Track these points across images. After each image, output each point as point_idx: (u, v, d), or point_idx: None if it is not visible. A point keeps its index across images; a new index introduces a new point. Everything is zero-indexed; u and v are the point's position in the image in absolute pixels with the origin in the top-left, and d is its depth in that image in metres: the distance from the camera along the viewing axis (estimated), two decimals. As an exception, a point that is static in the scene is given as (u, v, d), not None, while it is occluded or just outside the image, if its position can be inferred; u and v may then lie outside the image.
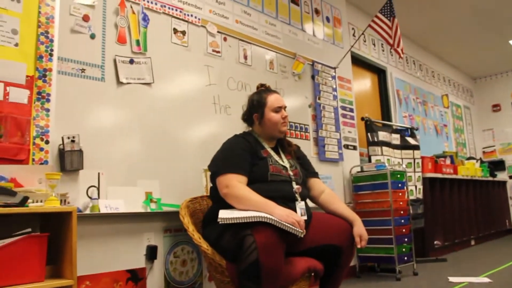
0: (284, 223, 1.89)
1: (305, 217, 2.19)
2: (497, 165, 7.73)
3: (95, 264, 2.21)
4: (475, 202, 6.35)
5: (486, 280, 3.47)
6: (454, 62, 7.44)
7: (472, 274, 3.75)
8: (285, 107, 2.39)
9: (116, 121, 2.43)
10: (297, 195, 2.24)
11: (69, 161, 2.12)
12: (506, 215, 7.62)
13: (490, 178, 7.06)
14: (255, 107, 2.37)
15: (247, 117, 2.42)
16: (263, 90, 2.44)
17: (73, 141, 2.14)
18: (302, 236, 1.96)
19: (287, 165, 2.32)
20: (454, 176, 5.71)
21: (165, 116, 2.67)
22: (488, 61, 7.49)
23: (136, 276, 2.37)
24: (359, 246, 2.26)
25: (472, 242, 6.06)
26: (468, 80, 8.21)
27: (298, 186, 2.26)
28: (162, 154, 2.60)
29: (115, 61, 2.45)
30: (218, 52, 3.08)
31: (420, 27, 5.85)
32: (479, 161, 6.96)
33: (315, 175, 2.54)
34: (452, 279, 3.56)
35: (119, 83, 2.46)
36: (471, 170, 6.29)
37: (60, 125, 2.15)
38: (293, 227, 1.91)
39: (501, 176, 7.69)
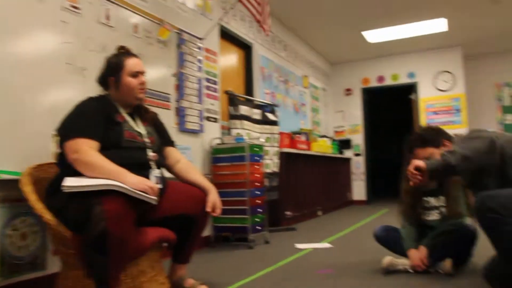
0: (136, 191, 1.85)
1: (160, 186, 2.16)
2: (345, 144, 8.54)
3: None
4: (324, 176, 6.94)
5: (328, 245, 3.85)
6: (316, 46, 7.91)
7: (316, 240, 4.11)
8: (144, 73, 2.30)
9: None
10: (152, 163, 2.19)
11: None
12: (349, 188, 8.50)
13: (339, 155, 7.77)
14: (112, 70, 2.24)
15: (102, 80, 2.28)
16: (122, 53, 2.31)
17: None
18: (155, 203, 1.94)
19: (143, 132, 2.25)
20: (308, 152, 6.14)
21: (9, 73, 2.37)
22: (344, 48, 8.12)
23: (-35, 250, 2.12)
24: (214, 214, 2.32)
25: (319, 213, 6.62)
26: (326, 64, 8.82)
27: (153, 154, 2.22)
28: (3, 117, 2.32)
29: None
30: (76, 8, 2.83)
31: (289, 9, 6.07)
32: (330, 140, 7.59)
33: (172, 143, 2.52)
34: (298, 245, 3.86)
35: (-50, 30, 2.12)
36: (323, 147, 6.82)
37: None
38: (145, 195, 1.87)
39: (347, 153, 8.53)
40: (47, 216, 1.95)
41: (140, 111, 2.36)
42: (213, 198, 2.35)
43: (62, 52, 2.72)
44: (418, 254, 2.65)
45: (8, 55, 2.38)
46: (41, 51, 2.58)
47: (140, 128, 2.27)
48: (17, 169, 2.29)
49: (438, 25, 6.84)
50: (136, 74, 2.25)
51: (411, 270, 2.68)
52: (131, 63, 2.25)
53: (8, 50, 2.39)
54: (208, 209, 2.30)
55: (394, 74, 8.52)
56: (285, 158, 5.39)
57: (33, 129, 2.47)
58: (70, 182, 1.84)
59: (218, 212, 2.33)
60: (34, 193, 2.04)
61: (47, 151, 2.52)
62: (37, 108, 2.52)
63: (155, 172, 2.20)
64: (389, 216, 6.08)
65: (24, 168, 2.21)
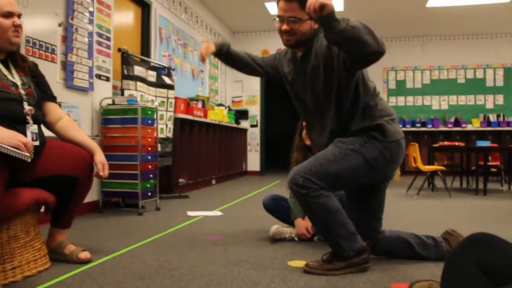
0: (6, 146, 1.64)
1: (37, 143, 1.96)
2: (242, 114, 8.57)
3: None
4: (219, 146, 6.92)
5: (219, 213, 3.83)
6: (218, 12, 7.76)
7: (208, 208, 4.08)
8: (20, 14, 2.02)
9: None
10: (28, 117, 1.97)
11: None
12: (244, 158, 8.60)
13: (235, 125, 7.79)
14: None
15: None
16: None
17: None
18: (29, 160, 1.74)
19: (18, 82, 2.00)
20: (203, 120, 6.05)
21: None
22: (246, 18, 8.07)
23: None
24: (102, 174, 2.14)
25: (213, 182, 6.62)
26: (228, 32, 8.72)
27: (30, 108, 1.99)
28: None
29: None
30: None
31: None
32: (227, 109, 7.57)
33: (53, 99, 2.27)
34: (190, 213, 3.80)
35: None
36: (219, 115, 6.78)
37: None
38: (18, 151, 1.67)
39: (244, 124, 8.59)
40: None
41: (15, 59, 2.09)
42: (101, 158, 2.17)
43: None
44: (304, 223, 2.72)
45: None
46: None
47: (15, 78, 2.01)
48: None
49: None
50: (9, 14, 1.97)
51: (296, 239, 2.74)
52: (2, 2, 1.96)
53: None
54: (99, 170, 2.12)
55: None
56: (180, 124, 5.26)
57: None
58: None
59: (106, 173, 2.16)
60: None
61: None
62: None
63: (32, 128, 1.99)
64: (280, 186, 6.26)
65: None
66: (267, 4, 7.20)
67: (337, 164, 2.01)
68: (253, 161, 8.84)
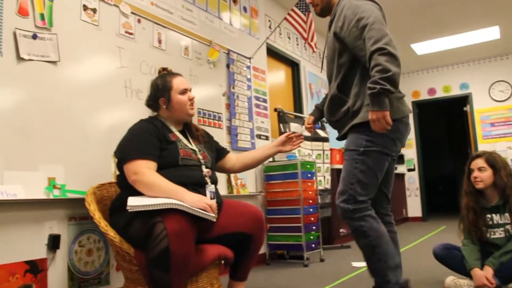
0: (195, 208, 1.87)
1: (214, 201, 2.18)
2: (398, 159, 8.25)
3: (-13, 256, 2.03)
4: (377, 193, 6.75)
5: (385, 264, 3.71)
6: (362, 60, 7.82)
7: (372, 259, 3.99)
8: (191, 89, 2.36)
9: (15, 100, 2.23)
10: (207, 179, 2.22)
11: (-42, 141, 1.92)
12: (403, 204, 8.24)
13: (391, 171, 7.55)
14: (161, 91, 2.30)
15: (152, 102, 2.35)
16: (167, 74, 2.38)
17: (-37, 119, 1.93)
18: (214, 220, 1.95)
19: (196, 149, 2.29)
20: (359, 168, 6.01)
21: (72, 97, 2.50)
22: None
23: (35, 268, 2.21)
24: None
25: (373, 230, 6.44)
26: (374, 78, 8.68)
27: (207, 170, 2.25)
28: (67, 138, 2.44)
29: (15, 34, 2.24)
30: (131, 34, 2.96)
31: (332, 24, 6.07)
32: (382, 155, 7.40)
33: (226, 151, 2.62)
34: (355, 264, 3.76)
35: (20, 59, 2.25)
36: (374, 162, 6.66)
37: None
38: (205, 212, 1.89)
39: (401, 169, 8.29)
40: (111, 233, 2.01)
41: (190, 129, 2.42)
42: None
43: (119, 76, 2.83)
44: (482, 273, 2.51)
45: (70, 80, 2.51)
46: (100, 75, 2.71)
47: (192, 145, 2.31)
48: (82, 188, 2.39)
49: (490, 33, 6.62)
50: (184, 91, 2.31)
51: (477, 291, 2.54)
52: (178, 82, 2.32)
53: (71, 75, 2.52)
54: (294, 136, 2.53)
55: (445, 85, 8.26)
56: (336, 174, 5.32)
57: (94, 149, 2.58)
58: (133, 201, 1.89)
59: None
60: (98, 211, 2.11)
61: (108, 171, 2.61)
62: (98, 130, 2.63)
63: (210, 188, 2.23)
64: (447, 233, 5.83)
65: (88, 188, 2.31)
66: (413, 46, 7.06)
67: (366, 173, 2.16)
68: (414, 207, 8.40)
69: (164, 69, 2.44)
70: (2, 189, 2.05)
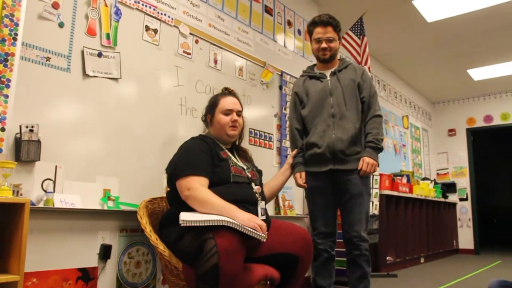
0: (246, 227, 1.89)
1: (264, 217, 2.20)
2: (449, 187, 8.01)
3: (44, 261, 2.12)
4: (426, 221, 6.55)
5: (434, 297, 3.57)
6: (416, 85, 7.70)
7: (421, 291, 3.85)
8: (239, 111, 2.38)
9: (79, 114, 2.35)
10: (257, 195, 2.24)
11: (25, 151, 2.04)
12: (454, 235, 7.92)
13: (442, 199, 7.32)
14: (209, 108, 2.40)
15: (204, 117, 2.44)
16: (221, 93, 2.44)
17: (31, 130, 2.05)
18: (264, 240, 1.96)
19: (245, 167, 2.32)
20: (409, 195, 5.87)
21: (130, 113, 2.61)
22: (447, 87, 7.79)
23: (87, 275, 2.29)
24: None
25: (422, 260, 6.23)
26: (427, 104, 8.50)
27: (258, 187, 2.27)
28: (124, 152, 2.54)
29: (82, 52, 2.38)
30: (188, 53, 3.06)
31: (388, 49, 6.02)
32: (433, 182, 7.20)
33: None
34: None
35: (85, 75, 2.39)
36: (425, 190, 6.48)
37: (19, 113, 2.06)
38: (255, 232, 1.90)
39: (452, 198, 7.99)
40: (161, 247, 2.05)
41: (237, 149, 2.46)
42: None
43: (176, 94, 2.93)
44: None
45: (130, 96, 2.62)
46: (158, 92, 2.81)
47: (241, 163, 2.34)
48: (135, 201, 2.47)
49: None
50: (229, 112, 2.34)
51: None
52: (225, 101, 2.36)
53: (131, 91, 2.63)
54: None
55: (504, 113, 7.94)
56: (385, 200, 5.20)
57: (149, 164, 2.66)
58: (185, 216, 1.93)
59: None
60: (149, 224, 2.17)
61: (160, 186, 2.68)
62: (153, 144, 2.72)
63: (261, 204, 2.24)
64: (503, 268, 5.55)
65: (140, 201, 2.38)
66: (470, 71, 6.87)
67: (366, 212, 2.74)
68: (465, 238, 8.04)
69: (226, 88, 2.51)
70: (61, 197, 2.16)
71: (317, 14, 2.86)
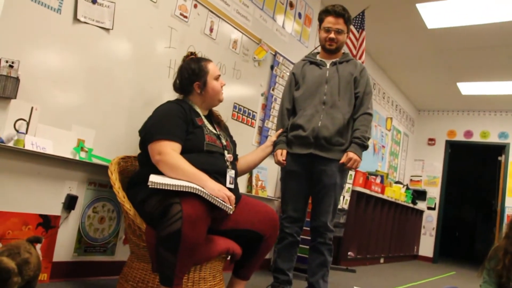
0: (214, 197, 1.87)
1: (232, 186, 2.19)
2: (420, 195, 8.15)
3: (5, 201, 2.08)
4: (392, 224, 6.66)
5: (387, 296, 3.65)
6: (405, 89, 7.74)
7: (376, 288, 3.92)
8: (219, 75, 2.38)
9: (64, 58, 2.28)
10: (228, 164, 2.23)
11: (1, 86, 1.97)
12: (416, 241, 8.08)
13: (411, 205, 7.44)
14: (197, 75, 2.28)
15: (185, 86, 2.31)
16: (200, 58, 2.37)
17: (11, 66, 1.98)
18: (231, 212, 1.95)
19: (220, 135, 2.30)
20: (380, 195, 5.94)
21: (116, 66, 2.54)
22: (435, 96, 7.86)
23: (48, 223, 2.25)
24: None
25: (382, 260, 6.34)
26: (413, 110, 8.57)
27: (230, 155, 2.26)
28: (104, 105, 2.48)
29: (76, -5, 2.29)
30: (185, 17, 2.98)
31: (382, 48, 6.01)
32: (405, 187, 7.31)
33: (237, 157, 2.54)
34: (357, 289, 3.71)
35: (76, 20, 2.30)
36: (396, 193, 6.57)
37: (0, 46, 1.99)
38: (223, 202, 1.89)
39: (421, 205, 8.13)
40: (127, 205, 2.02)
41: (213, 115, 2.42)
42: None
43: (166, 56, 2.86)
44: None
45: (118, 49, 2.55)
46: (147, 51, 2.74)
47: (216, 131, 2.32)
48: (108, 156, 2.43)
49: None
50: (218, 77, 2.34)
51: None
52: (213, 67, 2.33)
53: (120, 44, 2.56)
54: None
55: (484, 131, 8.07)
56: (356, 197, 5.25)
57: (128, 122, 2.61)
58: (155, 179, 1.90)
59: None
60: (119, 181, 2.13)
61: (136, 145, 2.62)
62: (135, 103, 2.66)
63: (231, 173, 2.22)
64: (456, 279, 5.69)
65: (114, 156, 2.34)
66: (460, 84, 6.93)
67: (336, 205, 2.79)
68: (426, 246, 8.22)
69: (192, 53, 2.42)
70: (33, 140, 2.10)
71: (320, 2, 2.82)
